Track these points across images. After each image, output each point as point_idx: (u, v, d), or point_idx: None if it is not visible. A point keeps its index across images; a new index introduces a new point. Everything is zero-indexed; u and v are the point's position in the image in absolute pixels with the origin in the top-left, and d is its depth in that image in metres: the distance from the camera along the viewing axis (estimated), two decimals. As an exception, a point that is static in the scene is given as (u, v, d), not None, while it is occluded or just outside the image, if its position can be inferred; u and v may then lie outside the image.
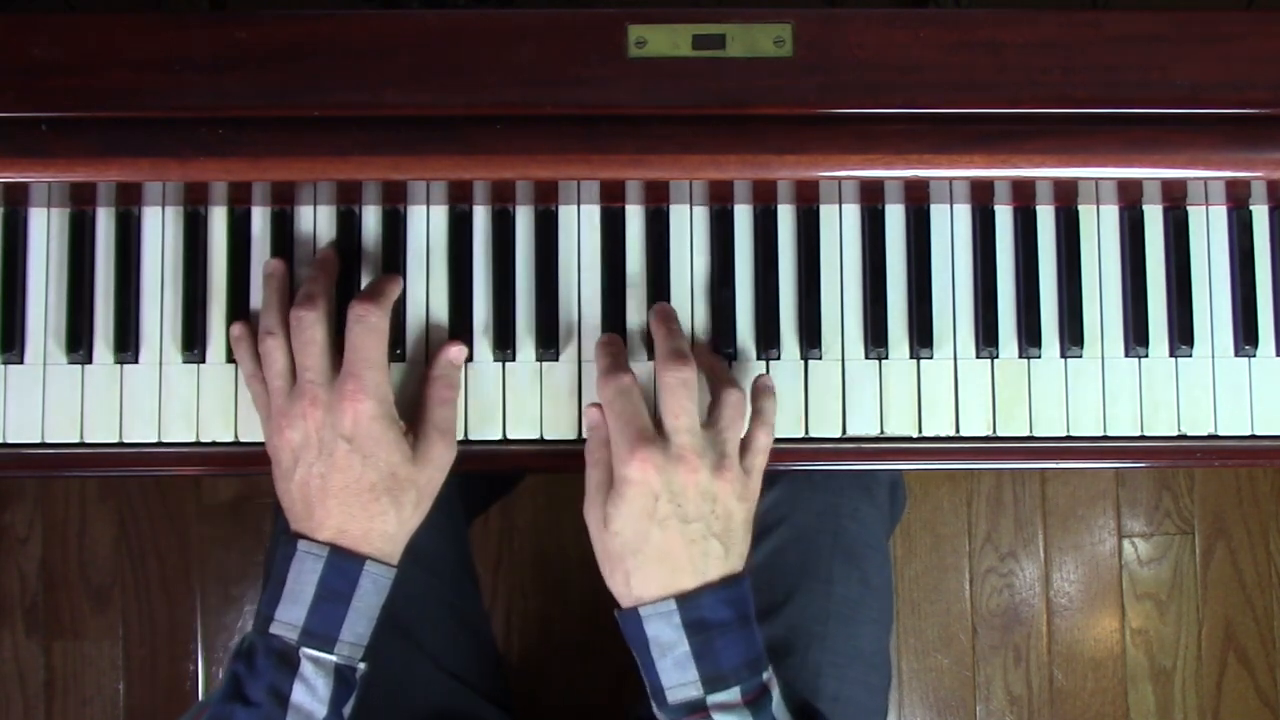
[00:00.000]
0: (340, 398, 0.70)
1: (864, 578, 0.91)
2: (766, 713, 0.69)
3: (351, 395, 0.70)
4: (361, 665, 0.71)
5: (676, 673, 0.68)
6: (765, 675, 0.70)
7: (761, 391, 0.76)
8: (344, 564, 0.69)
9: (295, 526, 0.72)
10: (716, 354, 0.78)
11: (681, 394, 0.70)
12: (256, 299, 0.78)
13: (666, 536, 0.68)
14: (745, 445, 0.73)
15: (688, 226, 0.80)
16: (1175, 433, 0.79)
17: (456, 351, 0.76)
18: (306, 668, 0.68)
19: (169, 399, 0.78)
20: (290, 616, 0.69)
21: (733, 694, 0.68)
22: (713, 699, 0.68)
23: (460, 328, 0.78)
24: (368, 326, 0.72)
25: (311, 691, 0.68)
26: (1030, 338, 0.79)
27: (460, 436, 0.77)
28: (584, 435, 0.76)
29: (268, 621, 0.69)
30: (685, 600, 0.68)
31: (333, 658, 0.69)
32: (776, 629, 0.85)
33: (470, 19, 0.74)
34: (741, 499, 0.71)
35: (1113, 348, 0.80)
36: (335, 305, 0.75)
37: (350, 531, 0.70)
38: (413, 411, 0.75)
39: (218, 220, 0.79)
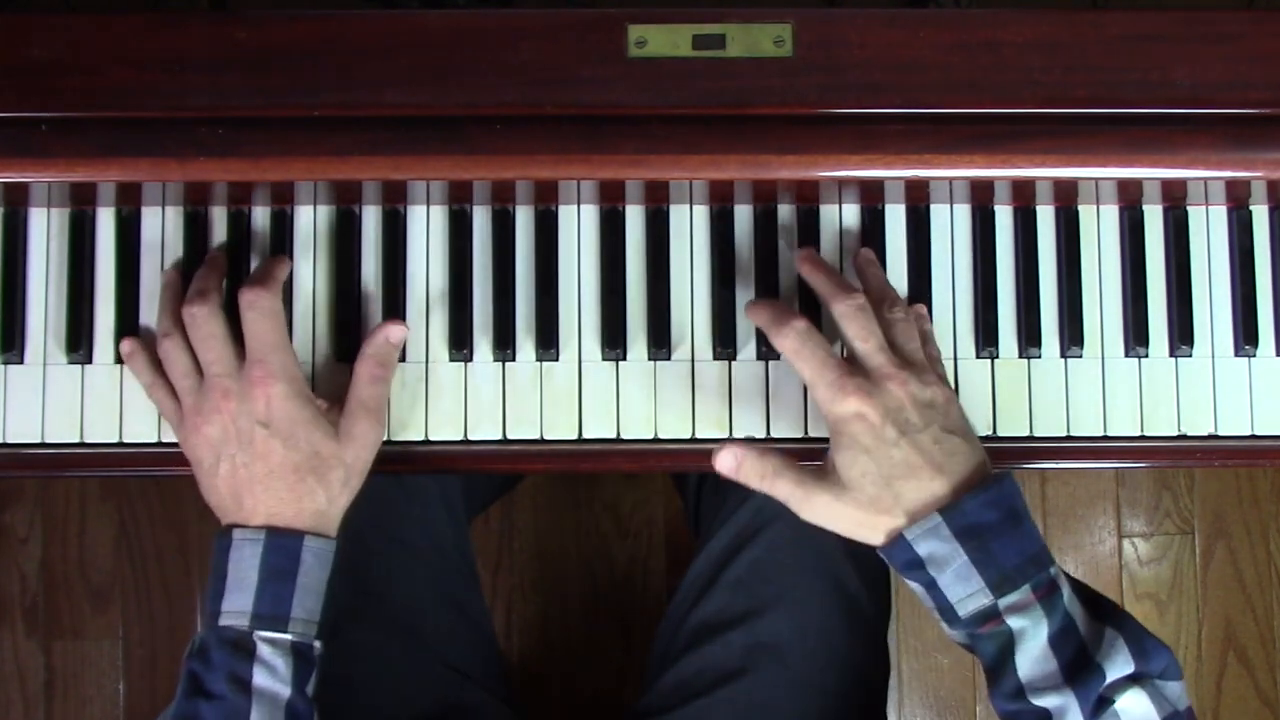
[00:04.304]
0: (250, 385, 0.70)
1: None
2: (1059, 608, 0.67)
3: (260, 380, 0.70)
4: (317, 643, 0.71)
5: (961, 585, 0.67)
6: (1052, 570, 0.69)
7: (916, 317, 0.76)
8: (283, 541, 0.70)
9: (227, 520, 0.72)
10: (876, 268, 0.78)
11: (861, 318, 0.71)
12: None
13: (905, 453, 0.68)
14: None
15: (688, 226, 0.80)
16: (1175, 433, 0.79)
17: (396, 332, 0.76)
18: (263, 650, 0.68)
19: (169, 399, 0.78)
20: (238, 605, 0.69)
21: (1024, 593, 0.67)
22: (1004, 602, 0.67)
23: (460, 327, 0.78)
24: (261, 311, 0.72)
25: (272, 673, 0.68)
26: (1030, 338, 0.79)
27: (460, 436, 0.77)
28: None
29: (215, 616, 0.69)
30: (949, 511, 0.67)
31: (288, 636, 0.69)
32: (765, 632, 0.85)
33: (470, 19, 0.74)
34: (948, 394, 0.71)
35: (1113, 348, 0.80)
36: (227, 299, 0.75)
37: (282, 514, 0.70)
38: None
39: (218, 220, 0.79)
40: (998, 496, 0.68)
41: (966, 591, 0.67)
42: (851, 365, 0.70)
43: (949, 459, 0.68)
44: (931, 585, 0.68)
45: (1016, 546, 0.67)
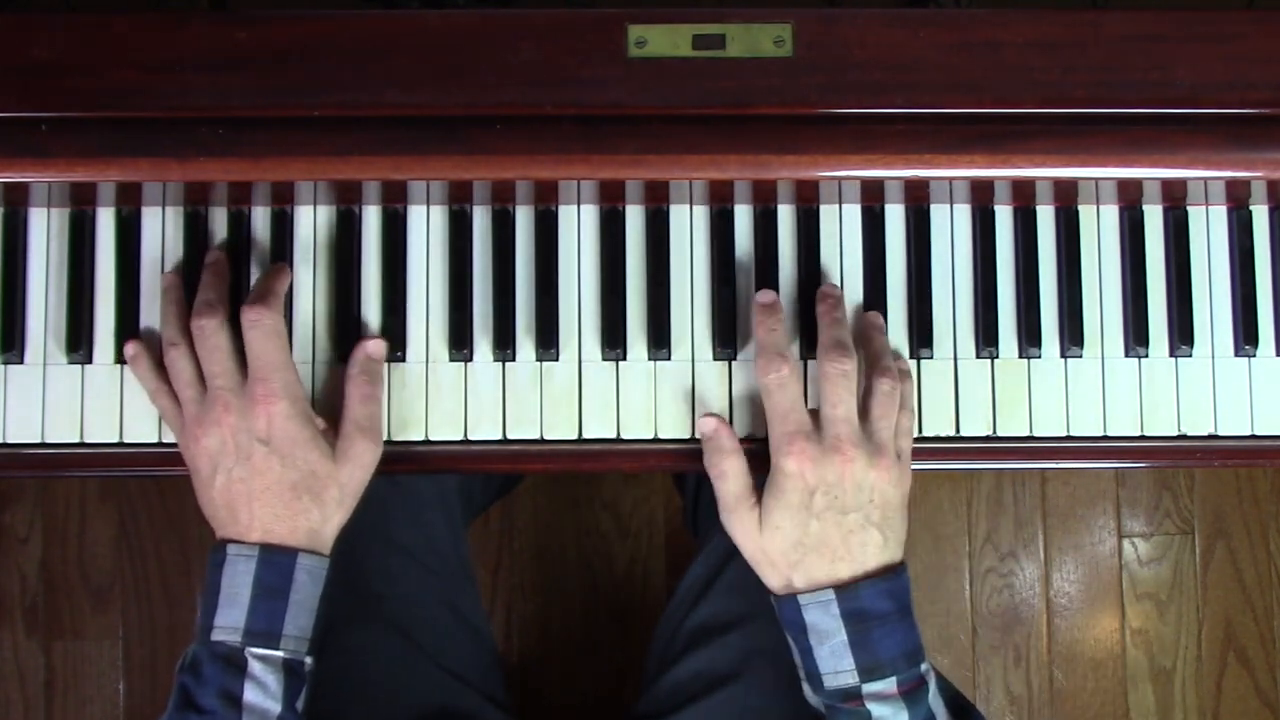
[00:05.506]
0: (253, 402, 0.71)
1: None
2: (922, 705, 0.70)
3: (263, 399, 0.70)
4: (308, 659, 0.71)
5: (833, 660, 0.70)
6: (923, 667, 0.71)
7: (901, 376, 0.76)
8: (277, 559, 0.70)
9: (221, 533, 0.72)
10: (881, 334, 0.78)
11: (841, 385, 0.72)
12: (256, 299, 0.78)
13: (824, 528, 0.70)
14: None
15: (688, 226, 0.80)
16: (1175, 433, 0.79)
17: (375, 346, 0.76)
18: (255, 666, 0.68)
19: (169, 399, 0.78)
20: (230, 620, 0.69)
21: (888, 684, 0.70)
22: (868, 688, 0.70)
23: (460, 327, 0.78)
24: (264, 330, 0.72)
25: (263, 689, 0.68)
26: (1030, 338, 0.79)
27: (459, 436, 0.77)
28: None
29: (208, 631, 0.69)
30: (844, 590, 0.70)
31: (280, 653, 0.69)
32: (762, 636, 0.85)
33: (470, 19, 0.74)
34: (897, 486, 0.72)
35: (1113, 348, 0.80)
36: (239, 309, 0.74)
37: (276, 530, 0.70)
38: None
39: (218, 220, 0.79)
40: (894, 588, 0.71)
41: (836, 668, 0.70)
42: (814, 422, 0.72)
43: (860, 549, 0.71)
44: (807, 652, 0.71)
45: (897, 639, 0.70)
